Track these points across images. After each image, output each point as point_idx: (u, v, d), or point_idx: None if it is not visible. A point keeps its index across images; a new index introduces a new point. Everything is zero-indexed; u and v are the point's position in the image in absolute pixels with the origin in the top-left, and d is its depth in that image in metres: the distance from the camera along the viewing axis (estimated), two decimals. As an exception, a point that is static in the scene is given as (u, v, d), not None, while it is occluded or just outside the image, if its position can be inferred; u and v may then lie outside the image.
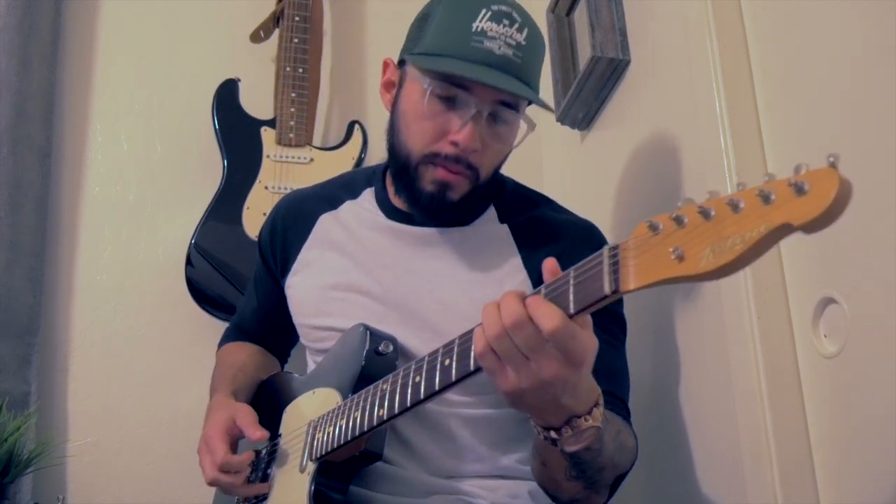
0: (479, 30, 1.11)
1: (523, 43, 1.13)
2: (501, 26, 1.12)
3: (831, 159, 0.56)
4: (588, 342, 0.80)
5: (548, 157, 2.16)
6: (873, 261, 1.00)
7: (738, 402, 1.20)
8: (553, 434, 0.87)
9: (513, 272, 1.19)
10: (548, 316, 0.77)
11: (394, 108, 1.22)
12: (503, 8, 1.13)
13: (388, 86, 1.25)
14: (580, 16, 1.79)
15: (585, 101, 1.77)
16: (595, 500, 1.05)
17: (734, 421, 1.20)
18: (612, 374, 1.14)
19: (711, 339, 1.30)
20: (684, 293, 1.41)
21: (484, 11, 1.12)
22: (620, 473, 1.05)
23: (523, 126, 1.20)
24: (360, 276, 1.24)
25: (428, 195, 1.17)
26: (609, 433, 0.95)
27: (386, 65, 1.26)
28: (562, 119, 1.87)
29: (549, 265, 0.82)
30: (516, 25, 1.13)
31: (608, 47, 1.63)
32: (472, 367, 0.86)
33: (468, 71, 1.10)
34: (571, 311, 0.75)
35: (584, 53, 1.72)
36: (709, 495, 1.31)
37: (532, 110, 2.15)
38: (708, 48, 1.28)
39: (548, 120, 2.05)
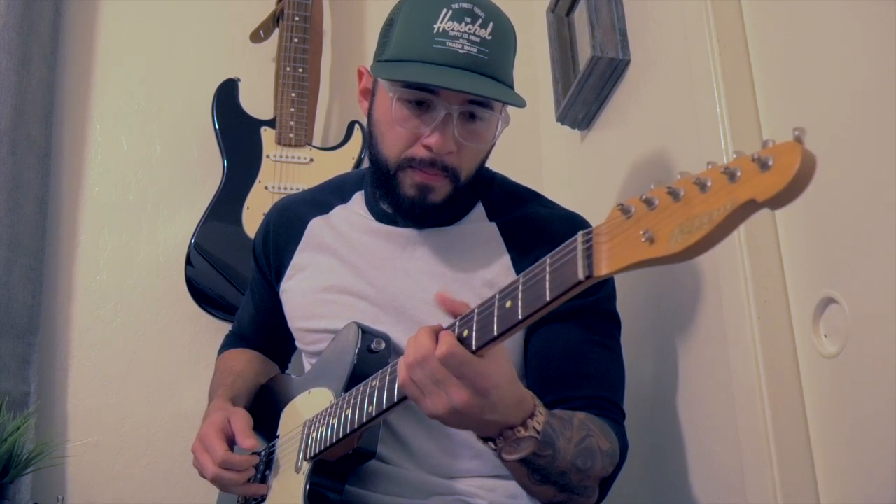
0: (440, 31, 1.10)
1: (489, 38, 1.12)
2: (463, 24, 1.10)
3: (796, 133, 0.56)
4: (489, 369, 0.86)
5: (548, 157, 2.16)
6: (873, 261, 1.00)
7: (738, 403, 1.19)
8: (491, 444, 0.92)
9: (502, 273, 1.19)
10: (440, 345, 0.85)
11: (369, 116, 1.22)
12: (464, 5, 1.11)
13: (364, 93, 1.25)
14: (580, 16, 1.79)
15: (585, 101, 1.77)
16: (581, 502, 1.05)
17: (734, 421, 1.20)
18: (602, 377, 1.15)
19: (711, 339, 1.30)
20: (685, 292, 1.41)
21: (445, 11, 1.11)
22: (602, 476, 1.05)
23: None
24: (352, 279, 1.24)
25: (409, 200, 1.17)
26: (566, 438, 0.97)
27: (360, 73, 1.26)
28: (562, 119, 1.87)
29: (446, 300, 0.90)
30: (479, 21, 1.11)
31: (608, 47, 1.63)
32: None
33: (429, 77, 1.09)
34: (548, 298, 0.76)
35: (584, 53, 1.72)
36: (709, 495, 1.31)
37: (531, 104, 2.13)
38: (708, 48, 1.28)
39: (548, 120, 2.05)
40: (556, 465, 0.96)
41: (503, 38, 1.15)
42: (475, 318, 0.86)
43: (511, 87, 1.17)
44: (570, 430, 0.98)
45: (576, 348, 1.14)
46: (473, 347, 0.84)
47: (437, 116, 1.12)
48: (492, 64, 1.12)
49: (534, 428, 0.91)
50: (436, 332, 0.87)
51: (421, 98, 1.12)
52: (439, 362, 0.84)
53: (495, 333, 0.82)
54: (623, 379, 1.19)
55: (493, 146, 1.22)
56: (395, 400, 0.94)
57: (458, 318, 0.88)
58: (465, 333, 0.86)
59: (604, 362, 1.16)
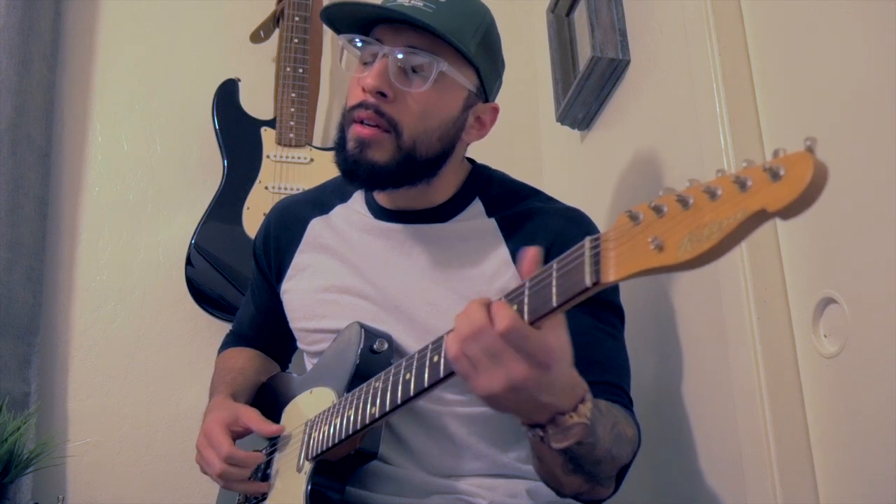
0: None
1: (442, 0, 1.14)
2: None
3: (808, 143, 0.55)
4: (551, 342, 0.80)
5: (548, 157, 2.16)
6: (873, 261, 1.00)
7: (738, 402, 1.19)
8: (539, 432, 0.87)
9: (502, 268, 1.18)
10: (499, 318, 0.78)
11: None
12: None
13: None
14: (580, 16, 1.79)
15: (585, 101, 1.77)
16: (600, 493, 1.04)
17: (734, 421, 1.20)
18: (610, 363, 1.14)
19: (711, 339, 1.30)
20: (684, 293, 1.41)
21: None
22: (622, 465, 1.04)
23: (459, 84, 1.17)
24: (353, 279, 1.24)
25: (351, 157, 1.16)
26: (603, 426, 0.94)
27: None
28: (562, 119, 1.87)
29: (530, 253, 0.82)
30: None
31: (608, 47, 1.63)
32: None
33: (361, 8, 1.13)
34: (554, 303, 0.75)
35: (584, 53, 1.72)
36: (709, 495, 1.31)
37: (531, 104, 2.13)
38: (708, 48, 1.28)
39: (548, 120, 2.06)
40: (594, 454, 0.93)
41: (460, 5, 1.16)
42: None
43: (466, 51, 1.15)
44: (603, 416, 0.96)
45: (583, 335, 1.12)
46: (527, 319, 0.79)
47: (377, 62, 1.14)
48: (438, 19, 1.12)
49: (584, 414, 0.86)
50: (487, 305, 0.82)
51: (369, 52, 1.15)
52: (500, 336, 0.79)
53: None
54: (629, 367, 1.17)
55: (452, 121, 1.19)
56: (399, 402, 0.93)
57: (530, 279, 0.81)
58: (516, 308, 0.80)
59: (611, 349, 1.15)
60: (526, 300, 0.78)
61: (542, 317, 0.77)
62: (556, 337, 0.81)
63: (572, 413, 0.86)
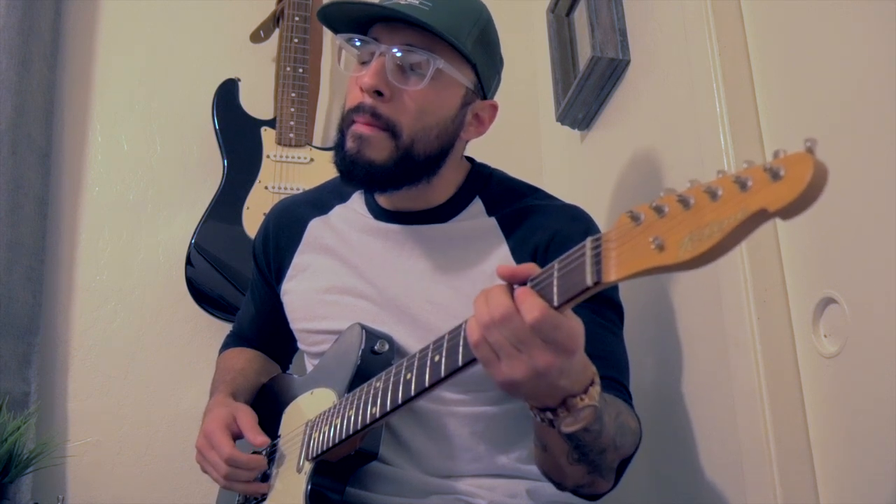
0: None
1: None
2: None
3: (808, 143, 0.56)
4: (575, 328, 0.80)
5: (548, 157, 2.16)
6: (873, 261, 1.00)
7: (738, 402, 1.20)
8: (549, 415, 0.87)
9: (501, 264, 1.18)
10: (529, 308, 0.77)
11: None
12: None
13: None
14: (580, 16, 1.79)
15: (585, 101, 1.77)
16: (600, 486, 1.04)
17: (734, 421, 1.20)
18: (610, 358, 1.13)
19: (711, 339, 1.30)
20: (684, 293, 1.41)
21: None
22: (625, 456, 1.04)
23: (456, 81, 1.17)
24: (353, 279, 1.24)
25: (349, 156, 1.16)
26: (609, 414, 0.94)
27: None
28: (562, 119, 1.87)
29: (500, 272, 0.82)
30: None
31: (608, 47, 1.63)
32: (460, 363, 0.85)
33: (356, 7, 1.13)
34: (556, 303, 0.75)
35: (584, 53, 1.72)
36: (709, 495, 1.31)
37: (531, 104, 2.13)
38: (708, 48, 1.28)
39: (548, 120, 2.06)
40: (599, 442, 0.93)
41: (456, 2, 1.16)
42: None
43: (463, 48, 1.15)
44: (608, 405, 0.96)
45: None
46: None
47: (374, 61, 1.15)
48: (434, 17, 1.12)
49: (593, 396, 0.86)
50: (510, 290, 0.80)
51: (366, 51, 1.16)
52: (529, 327, 0.77)
53: None
54: (628, 363, 1.17)
55: (450, 118, 1.18)
56: (399, 402, 0.93)
57: (531, 278, 0.81)
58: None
59: (611, 345, 1.15)
60: (556, 286, 0.77)
61: None
62: (577, 322, 0.81)
63: (583, 395, 0.85)
